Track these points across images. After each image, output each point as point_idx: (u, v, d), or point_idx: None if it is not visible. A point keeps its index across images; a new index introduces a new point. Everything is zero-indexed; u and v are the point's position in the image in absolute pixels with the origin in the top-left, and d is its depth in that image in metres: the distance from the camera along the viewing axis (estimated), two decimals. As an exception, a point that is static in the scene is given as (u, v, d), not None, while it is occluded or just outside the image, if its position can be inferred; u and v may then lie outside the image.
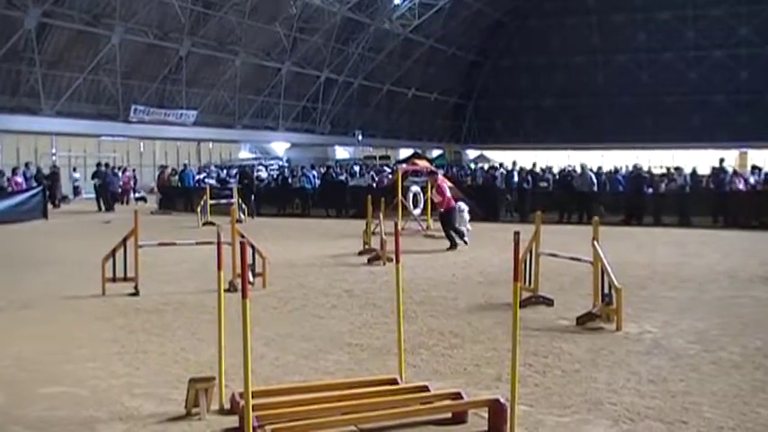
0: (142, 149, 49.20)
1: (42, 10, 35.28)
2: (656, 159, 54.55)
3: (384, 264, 16.28)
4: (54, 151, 42.38)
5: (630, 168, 33.79)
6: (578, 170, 33.32)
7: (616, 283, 10.44)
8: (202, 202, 27.05)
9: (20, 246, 20.48)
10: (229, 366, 7.12)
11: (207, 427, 6.63)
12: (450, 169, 45.73)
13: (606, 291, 10.63)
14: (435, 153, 65.95)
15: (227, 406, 6.92)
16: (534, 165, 37.97)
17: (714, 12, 60.05)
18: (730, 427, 6.72)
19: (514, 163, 37.59)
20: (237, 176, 37.44)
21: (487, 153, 69.40)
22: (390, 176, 34.48)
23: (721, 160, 33.40)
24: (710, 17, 60.66)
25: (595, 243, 10.85)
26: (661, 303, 12.27)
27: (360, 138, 59.77)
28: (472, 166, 54.79)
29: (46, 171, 36.64)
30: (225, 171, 42.88)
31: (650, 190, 29.63)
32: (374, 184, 34.76)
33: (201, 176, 38.57)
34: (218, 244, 7.27)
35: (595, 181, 30.83)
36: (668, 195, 29.24)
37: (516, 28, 68.16)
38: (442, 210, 19.56)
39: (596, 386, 7.82)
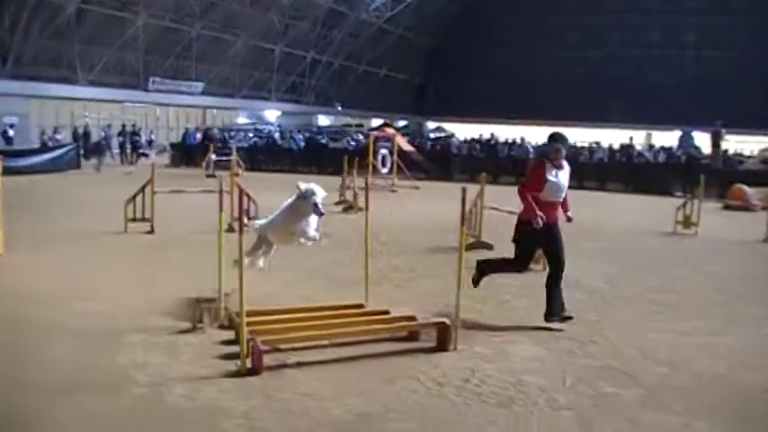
0: (158, 114, 48.83)
1: (81, -2, 35.34)
2: (582, 135, 54.38)
3: (356, 212, 16.40)
4: (86, 114, 41.99)
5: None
6: (518, 141, 33.50)
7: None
8: (207, 158, 26.94)
9: (58, 191, 20.36)
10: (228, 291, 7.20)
11: (209, 338, 6.75)
12: (413, 137, 45.49)
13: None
14: (401, 123, 65.74)
15: (225, 323, 7.04)
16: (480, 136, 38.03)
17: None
18: (628, 345, 6.95)
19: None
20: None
21: (445, 125, 69.23)
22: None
23: (630, 138, 33.79)
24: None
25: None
26: (581, 252, 12.46)
27: (339, 108, 59.67)
28: (432, 135, 54.64)
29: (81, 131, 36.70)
30: (226, 133, 42.39)
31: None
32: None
33: (199, 137, 38.23)
34: (220, 192, 7.37)
35: (531, 150, 31.06)
36: (590, 165, 29.49)
37: (472, 20, 67.55)
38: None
39: (522, 314, 8.00)
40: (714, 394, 5.83)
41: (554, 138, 7.60)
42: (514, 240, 7.63)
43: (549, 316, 7.48)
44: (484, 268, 7.93)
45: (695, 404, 5.58)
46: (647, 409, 5.46)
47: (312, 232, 7.62)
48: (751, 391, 5.95)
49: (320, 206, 7.42)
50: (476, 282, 7.94)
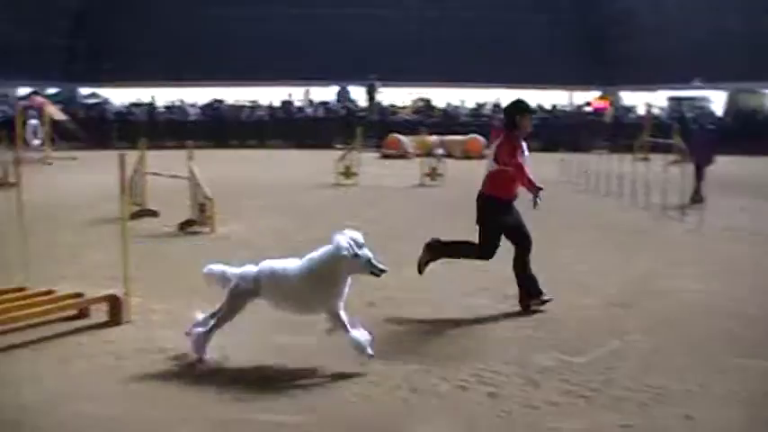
0: None
1: None
2: (241, 95, 54.89)
3: (8, 189, 15.16)
4: None
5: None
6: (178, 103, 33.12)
7: (209, 194, 10.71)
8: None
9: None
10: None
11: None
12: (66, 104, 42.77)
13: (201, 201, 10.86)
14: (52, 91, 61.44)
15: None
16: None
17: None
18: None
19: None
20: None
21: (99, 90, 65.89)
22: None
23: (289, 95, 34.91)
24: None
25: (191, 163, 11.01)
26: (244, 209, 12.76)
27: (-21, 77, 54.33)
28: (87, 102, 51.78)
29: None
30: None
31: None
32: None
33: None
34: None
35: (191, 112, 30.94)
36: (249, 123, 30.06)
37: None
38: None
39: (195, 276, 8.01)
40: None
41: (525, 108, 6.91)
42: (480, 222, 6.80)
43: (527, 300, 6.81)
44: (438, 250, 6.92)
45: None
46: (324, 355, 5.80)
47: (359, 337, 5.40)
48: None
49: (376, 262, 5.43)
50: (422, 266, 6.93)
